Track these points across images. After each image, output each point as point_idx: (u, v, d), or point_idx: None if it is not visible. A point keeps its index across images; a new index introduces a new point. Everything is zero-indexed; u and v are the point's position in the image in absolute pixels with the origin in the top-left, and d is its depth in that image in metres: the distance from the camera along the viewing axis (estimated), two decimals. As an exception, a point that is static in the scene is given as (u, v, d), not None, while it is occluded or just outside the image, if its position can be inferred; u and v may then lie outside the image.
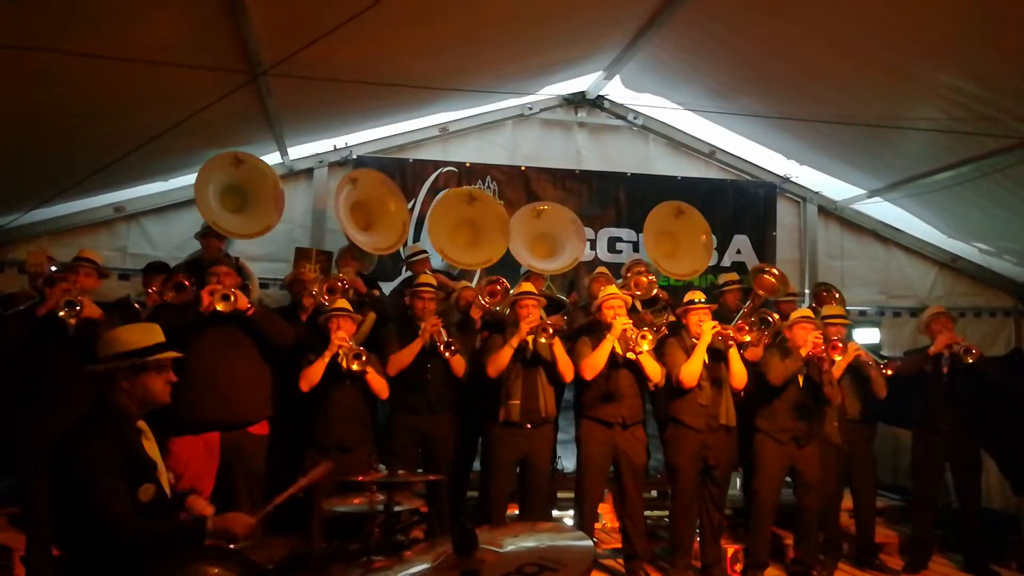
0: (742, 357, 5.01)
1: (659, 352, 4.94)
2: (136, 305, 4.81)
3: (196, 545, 2.68)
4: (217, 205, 5.22)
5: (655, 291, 5.57)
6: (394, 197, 6.02)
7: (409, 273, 6.22)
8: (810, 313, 5.23)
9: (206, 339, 4.41)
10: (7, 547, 4.35)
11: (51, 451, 2.64)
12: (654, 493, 6.18)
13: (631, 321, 4.79)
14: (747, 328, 4.94)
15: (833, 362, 5.00)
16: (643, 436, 5.02)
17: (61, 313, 4.21)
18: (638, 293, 5.44)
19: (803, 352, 4.93)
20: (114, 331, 2.86)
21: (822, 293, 6.28)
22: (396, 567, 2.02)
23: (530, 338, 4.79)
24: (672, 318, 5.52)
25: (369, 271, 6.05)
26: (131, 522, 2.54)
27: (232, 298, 4.36)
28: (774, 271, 6.00)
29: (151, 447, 2.81)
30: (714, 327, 4.87)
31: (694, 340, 4.97)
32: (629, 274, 5.67)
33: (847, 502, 5.59)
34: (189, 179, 6.07)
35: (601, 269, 5.98)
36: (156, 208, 6.26)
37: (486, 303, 5.22)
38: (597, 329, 4.98)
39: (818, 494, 5.10)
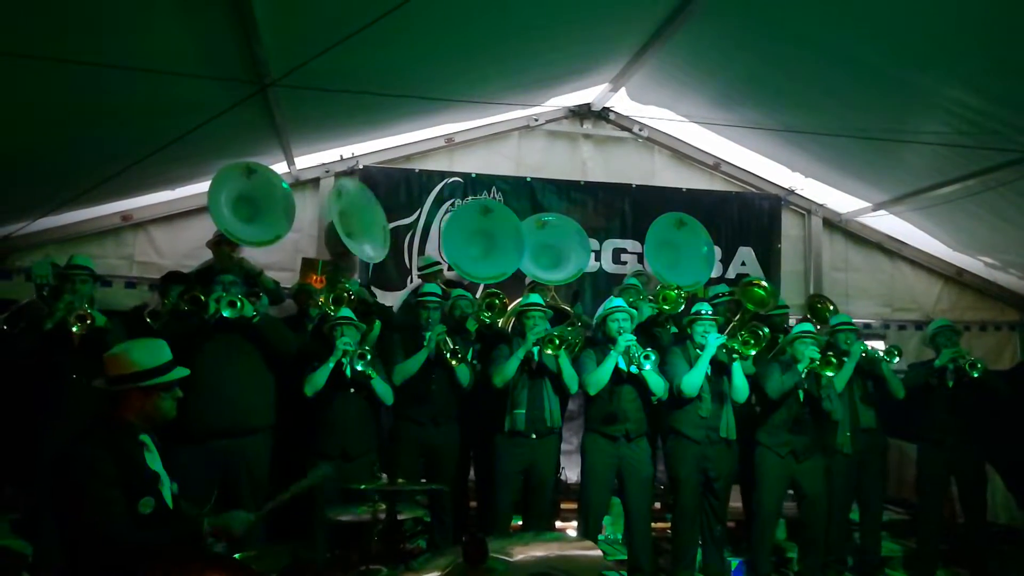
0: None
1: (660, 362, 4.94)
2: (147, 319, 4.85)
3: (196, 552, 2.68)
4: (229, 213, 5.26)
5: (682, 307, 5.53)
6: (373, 205, 6.14)
7: (419, 283, 6.23)
8: (811, 327, 5.23)
9: (211, 346, 4.43)
10: (15, 554, 4.36)
11: (53, 462, 2.66)
12: (657, 505, 6.15)
13: (635, 337, 4.79)
14: (752, 342, 4.94)
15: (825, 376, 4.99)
16: (648, 448, 5.01)
17: (74, 329, 4.26)
18: (666, 307, 5.40)
19: (800, 367, 4.94)
20: (121, 350, 2.84)
21: (816, 305, 6.27)
22: (404, 576, 2.02)
23: (536, 349, 4.80)
24: (674, 329, 5.54)
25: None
26: (126, 532, 2.55)
27: (239, 305, 4.38)
28: (763, 284, 5.99)
29: (153, 459, 2.82)
30: (717, 337, 4.89)
31: (698, 351, 4.98)
32: (658, 288, 5.64)
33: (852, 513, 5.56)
34: (196, 188, 6.11)
35: (629, 280, 5.97)
36: (163, 216, 6.28)
37: (485, 317, 5.23)
38: (603, 341, 4.99)
39: (820, 508, 5.08)
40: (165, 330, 4.37)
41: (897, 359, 5.28)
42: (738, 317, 5.74)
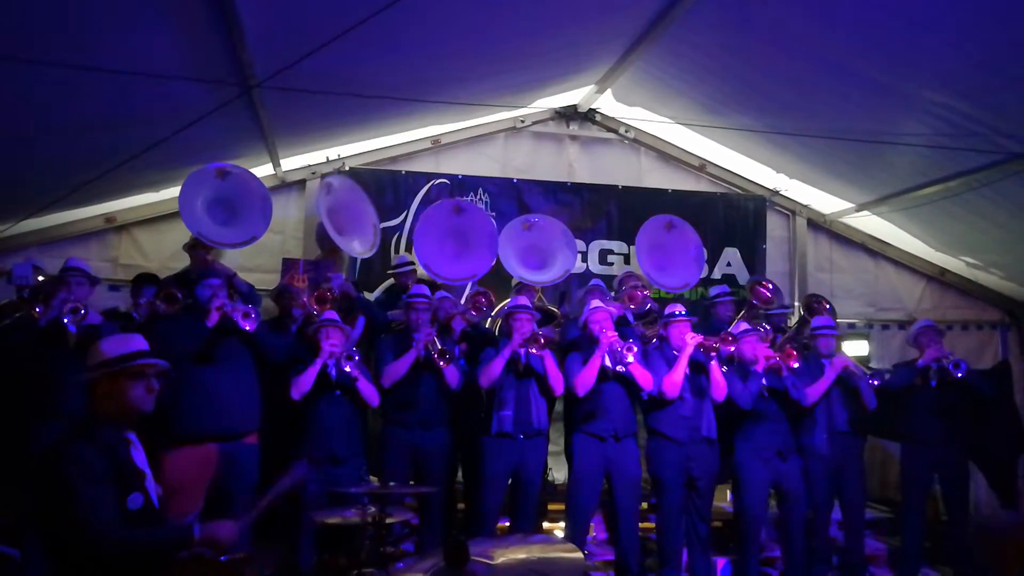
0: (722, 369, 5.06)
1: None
2: (133, 315, 4.82)
3: (184, 557, 2.67)
4: (203, 216, 5.23)
5: (648, 305, 5.60)
6: (363, 202, 6.12)
7: (392, 282, 6.23)
8: (749, 327, 5.31)
9: (208, 352, 4.43)
10: (3, 558, 4.32)
11: (39, 460, 2.64)
12: (644, 505, 6.17)
13: (617, 334, 4.82)
14: (729, 338, 4.99)
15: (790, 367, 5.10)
16: (636, 449, 5.03)
17: (66, 320, 4.23)
18: (632, 307, 5.47)
19: (758, 368, 5.01)
20: (96, 342, 2.89)
21: (813, 304, 6.32)
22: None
23: (523, 350, 4.81)
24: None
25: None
26: (115, 530, 2.54)
27: (252, 315, 4.44)
28: (769, 284, 6.04)
29: (139, 456, 2.81)
30: (692, 337, 4.93)
31: (675, 352, 5.01)
32: (624, 288, 5.70)
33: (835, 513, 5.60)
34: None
35: (594, 282, 6.00)
36: (147, 219, 6.24)
37: (472, 316, 5.23)
38: (586, 343, 5.00)
39: (802, 506, 5.13)
40: (156, 331, 4.34)
41: (876, 383, 5.36)
42: (743, 315, 5.80)
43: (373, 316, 5.43)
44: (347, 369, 4.56)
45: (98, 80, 3.72)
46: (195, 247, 5.32)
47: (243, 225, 5.42)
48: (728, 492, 5.91)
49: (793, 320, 6.77)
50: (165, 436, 4.02)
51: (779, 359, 5.02)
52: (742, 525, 5.15)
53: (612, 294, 5.75)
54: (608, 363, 4.87)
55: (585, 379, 4.80)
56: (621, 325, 5.34)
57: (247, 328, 4.39)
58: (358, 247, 6.02)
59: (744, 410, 5.03)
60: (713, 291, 6.30)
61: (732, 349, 5.01)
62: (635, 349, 4.70)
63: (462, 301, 5.83)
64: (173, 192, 6.15)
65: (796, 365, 5.09)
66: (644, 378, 4.87)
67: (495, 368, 4.77)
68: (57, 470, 2.56)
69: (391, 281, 6.23)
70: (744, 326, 5.28)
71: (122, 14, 3.44)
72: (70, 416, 3.99)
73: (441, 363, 4.83)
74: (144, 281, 5.24)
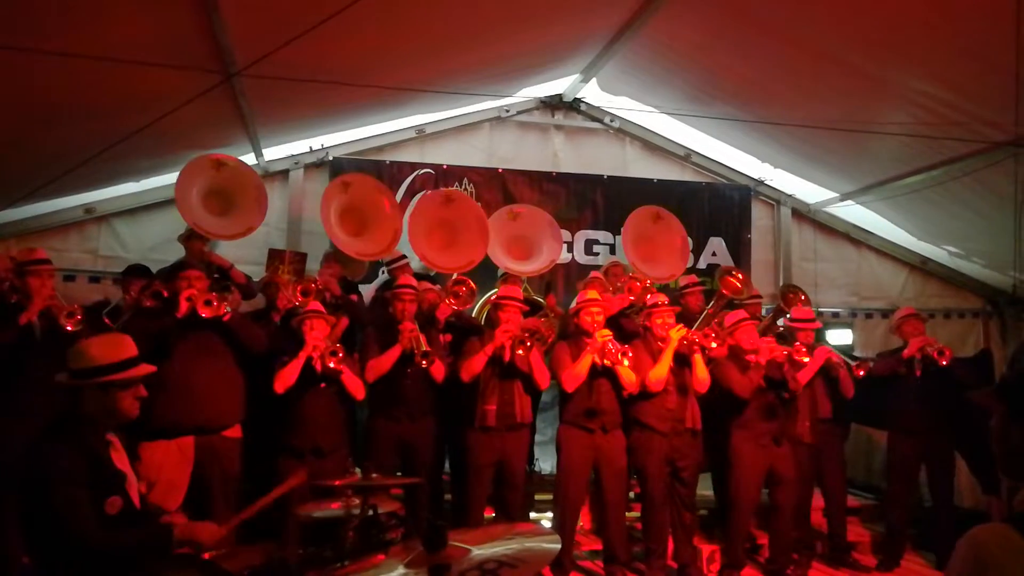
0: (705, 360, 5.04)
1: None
2: (106, 320, 4.75)
3: (166, 554, 2.64)
4: (199, 207, 5.18)
5: (649, 296, 5.57)
6: (390, 202, 5.96)
7: (387, 277, 6.18)
8: (747, 315, 5.28)
9: (182, 344, 4.39)
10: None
11: (20, 462, 2.60)
12: (631, 495, 6.19)
13: (611, 333, 4.80)
14: (713, 335, 4.97)
15: (801, 364, 5.06)
16: (623, 438, 5.02)
17: (69, 328, 4.19)
18: (632, 299, 5.44)
19: (762, 360, 4.96)
20: (82, 344, 2.78)
21: (789, 295, 6.34)
22: (371, 568, 2.02)
23: (507, 346, 4.77)
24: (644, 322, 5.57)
25: (358, 278, 6.02)
26: (94, 532, 2.50)
27: (214, 303, 4.36)
28: (738, 274, 6.06)
29: (120, 458, 2.76)
30: (679, 330, 4.92)
31: (659, 344, 5.00)
32: (623, 279, 5.66)
33: (818, 500, 5.64)
34: (161, 180, 6.01)
35: (595, 274, 5.96)
36: (127, 209, 6.16)
37: (451, 305, 5.19)
38: (576, 335, 4.98)
39: (794, 492, 5.15)
40: (133, 327, 4.29)
41: (861, 373, 5.42)
42: (712, 305, 5.80)
43: (357, 317, 5.38)
44: (331, 365, 4.52)
45: (73, 67, 3.65)
46: (190, 238, 5.28)
47: (239, 216, 5.38)
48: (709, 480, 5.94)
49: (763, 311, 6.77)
50: (142, 429, 3.98)
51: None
52: (734, 512, 5.13)
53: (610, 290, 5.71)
54: (596, 359, 4.84)
55: (573, 377, 4.79)
56: (622, 315, 5.33)
57: (204, 315, 4.34)
58: (365, 248, 5.79)
59: (741, 399, 5.00)
60: (683, 281, 6.29)
61: (715, 345, 4.98)
62: (630, 355, 4.70)
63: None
64: (154, 182, 6.09)
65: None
66: (629, 383, 4.87)
67: (476, 364, 4.76)
68: (36, 471, 2.52)
69: (386, 276, 6.16)
70: (741, 315, 5.25)
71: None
72: (36, 415, 3.93)
73: (424, 363, 4.78)
74: (134, 273, 5.18)
